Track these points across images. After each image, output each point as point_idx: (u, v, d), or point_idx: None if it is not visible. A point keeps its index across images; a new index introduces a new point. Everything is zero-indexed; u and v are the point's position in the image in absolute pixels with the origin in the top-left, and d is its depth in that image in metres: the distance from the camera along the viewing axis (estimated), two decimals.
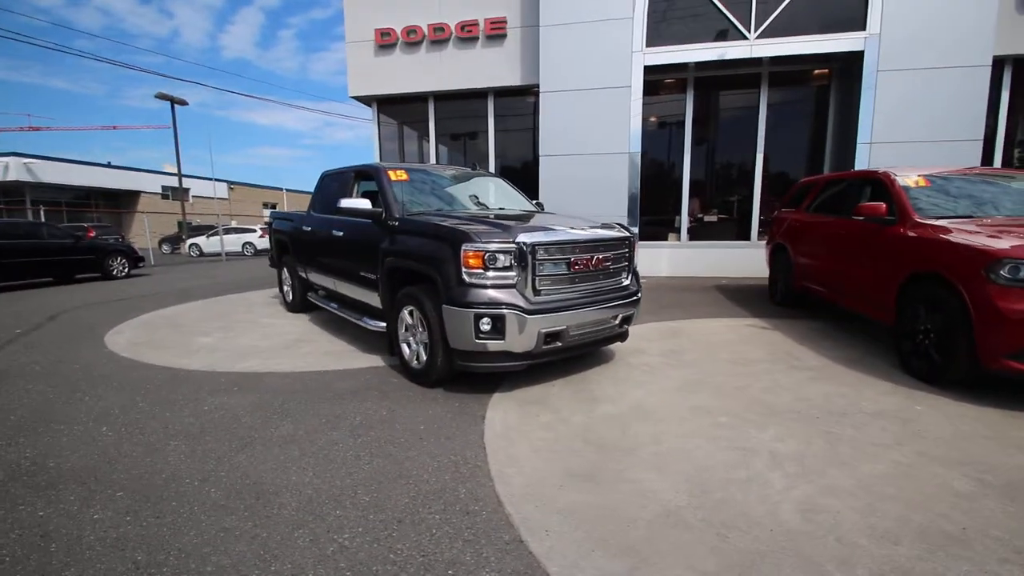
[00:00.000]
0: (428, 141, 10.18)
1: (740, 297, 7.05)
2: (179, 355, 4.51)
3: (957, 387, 3.42)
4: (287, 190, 48.88)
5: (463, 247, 3.18)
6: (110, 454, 2.62)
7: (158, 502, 2.16)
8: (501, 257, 3.17)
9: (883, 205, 4.31)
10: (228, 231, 21.15)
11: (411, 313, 3.66)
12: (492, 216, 3.94)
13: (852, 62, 8.04)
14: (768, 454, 2.56)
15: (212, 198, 36.78)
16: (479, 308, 3.14)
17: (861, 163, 7.84)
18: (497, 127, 9.86)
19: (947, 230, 3.65)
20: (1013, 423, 2.90)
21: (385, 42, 9.60)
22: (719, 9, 8.12)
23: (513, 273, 3.19)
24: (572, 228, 3.55)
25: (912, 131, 7.66)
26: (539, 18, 8.55)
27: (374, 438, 2.78)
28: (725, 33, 8.17)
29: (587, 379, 3.76)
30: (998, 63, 7.62)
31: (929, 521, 1.99)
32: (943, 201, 4.24)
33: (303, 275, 5.86)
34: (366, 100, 10.24)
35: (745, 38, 8.07)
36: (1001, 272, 3.11)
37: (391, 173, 4.39)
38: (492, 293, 3.17)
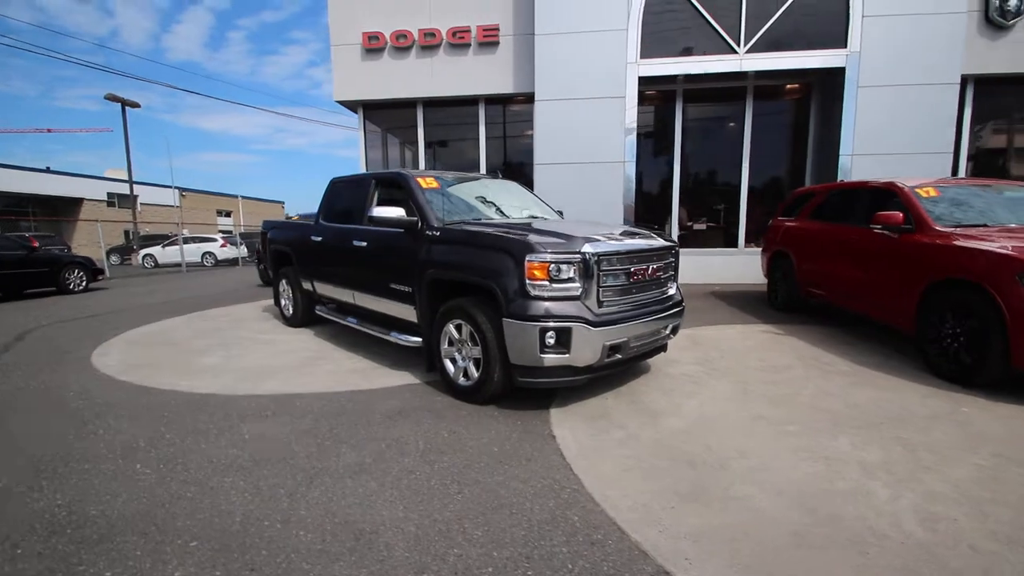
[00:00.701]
0: (417, 147, 9.96)
1: (740, 303, 7.20)
2: (184, 377, 4.15)
3: (988, 388, 3.56)
4: (243, 197, 46.99)
5: (527, 258, 3.06)
6: (160, 496, 2.33)
7: (244, 551, 1.92)
8: (565, 268, 3.07)
9: (900, 215, 4.48)
10: (188, 240, 20.00)
11: (458, 328, 3.50)
12: (534, 224, 3.84)
13: (833, 77, 8.44)
14: (857, 464, 2.56)
15: (163, 206, 34.89)
16: (544, 322, 3.02)
17: (844, 174, 8.22)
18: (488, 134, 9.77)
19: (975, 238, 3.83)
20: None
21: (373, 46, 9.33)
22: (711, 24, 8.35)
23: (577, 284, 3.09)
24: (624, 238, 3.49)
25: (890, 144, 8.10)
26: (534, 26, 8.54)
27: (450, 464, 2.61)
28: (716, 47, 8.40)
29: (635, 391, 3.70)
30: (962, 81, 8.17)
31: None
32: (954, 210, 4.45)
33: (308, 287, 5.56)
34: (351, 105, 9.92)
35: (735, 52, 8.33)
36: None
37: (421, 181, 4.21)
38: (557, 306, 3.06)
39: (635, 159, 8.64)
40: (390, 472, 2.52)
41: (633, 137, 8.55)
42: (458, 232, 3.61)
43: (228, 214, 44.56)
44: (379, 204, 4.49)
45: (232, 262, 20.19)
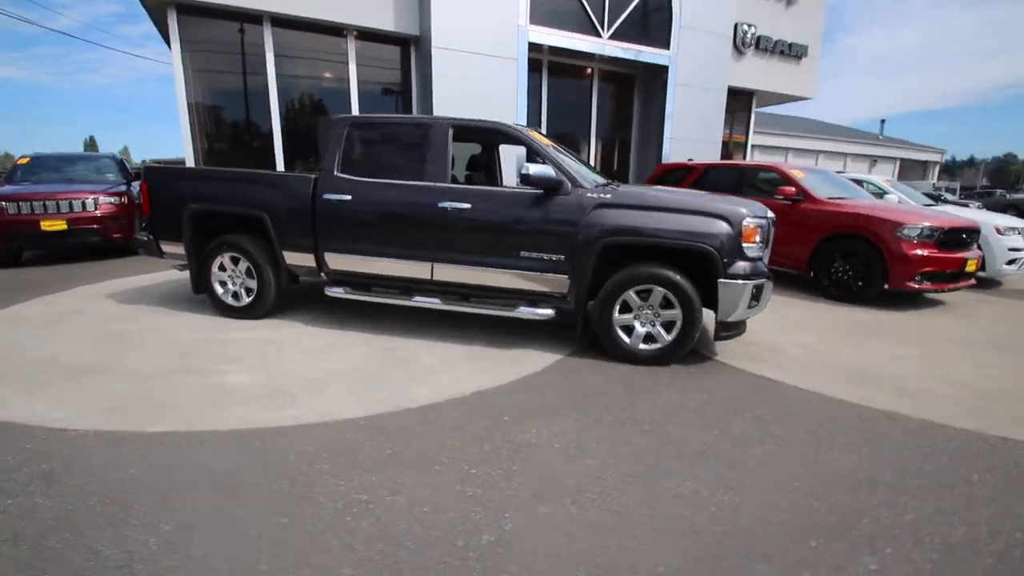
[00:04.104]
0: (267, 80, 7.73)
1: None
2: (275, 408, 2.78)
3: (868, 302, 5.63)
4: None
5: (745, 222, 3.33)
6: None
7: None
8: (763, 231, 3.47)
9: (793, 189, 6.33)
10: None
11: (643, 293, 3.48)
12: (660, 189, 3.99)
13: (653, 71, 10.43)
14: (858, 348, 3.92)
15: None
16: (755, 279, 3.39)
17: (665, 154, 10.43)
18: (360, 78, 8.36)
19: (850, 205, 5.85)
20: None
21: None
22: (584, 7, 9.13)
23: (764, 245, 3.54)
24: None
25: (689, 131, 10.66)
26: None
27: (780, 432, 2.82)
28: (586, 28, 9.27)
29: None
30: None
31: None
32: (818, 187, 6.56)
33: (301, 263, 4.14)
34: (159, 4, 6.90)
35: (600, 36, 9.38)
36: (904, 231, 5.36)
37: (536, 135, 3.76)
38: (758, 265, 3.46)
39: (526, 122, 8.93)
40: (735, 455, 2.60)
41: (524, 101, 8.79)
42: (645, 197, 3.51)
43: None
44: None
45: None
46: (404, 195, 3.81)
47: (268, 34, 7.59)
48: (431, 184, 3.76)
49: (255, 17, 7.46)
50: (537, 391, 3.09)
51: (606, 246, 3.47)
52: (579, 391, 3.11)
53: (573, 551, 1.73)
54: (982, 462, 2.38)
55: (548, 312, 3.72)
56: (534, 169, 3.42)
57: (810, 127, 29.50)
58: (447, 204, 3.70)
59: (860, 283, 5.66)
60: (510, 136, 3.85)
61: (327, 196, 3.94)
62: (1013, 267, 6.76)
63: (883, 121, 34.35)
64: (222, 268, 4.34)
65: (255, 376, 3.18)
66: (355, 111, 8.38)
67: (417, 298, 3.93)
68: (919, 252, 5.33)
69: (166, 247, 4.51)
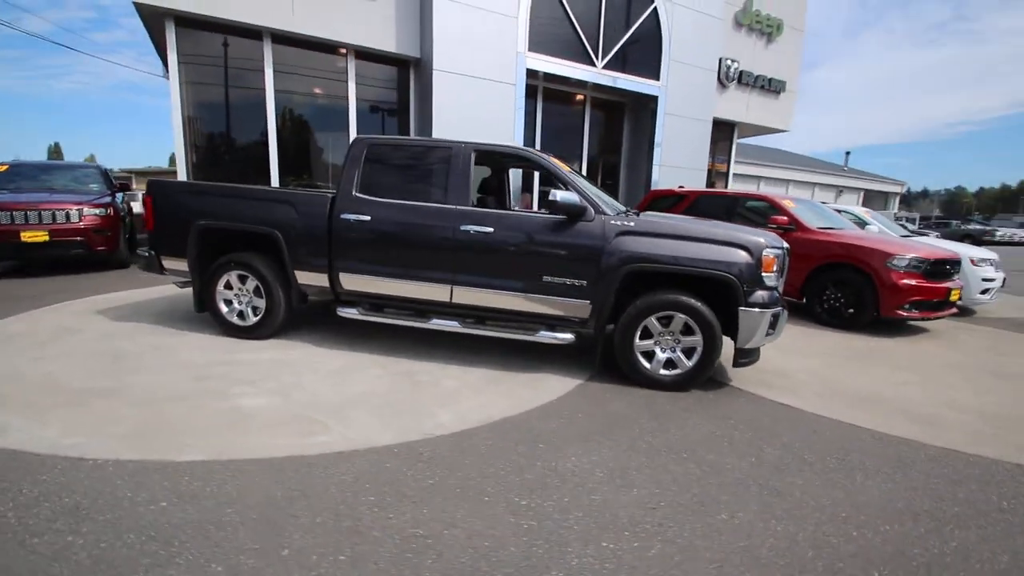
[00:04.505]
0: (264, 97, 7.64)
1: None
2: (303, 435, 2.68)
3: (860, 329, 5.82)
4: None
5: (764, 252, 3.42)
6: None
7: None
8: (780, 260, 3.57)
9: (786, 218, 6.56)
10: None
11: (664, 320, 3.52)
12: (682, 218, 4.07)
13: (643, 100, 10.75)
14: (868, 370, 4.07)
15: None
16: (773, 308, 3.48)
17: (654, 180, 10.69)
18: (359, 96, 8.35)
19: (841, 236, 6.09)
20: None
21: None
22: (580, 37, 9.39)
23: (780, 274, 3.64)
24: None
25: (677, 159, 10.97)
26: None
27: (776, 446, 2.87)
28: (581, 57, 9.52)
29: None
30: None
31: None
32: (807, 217, 6.81)
33: (314, 282, 4.05)
34: (155, 14, 6.78)
35: (595, 65, 9.64)
36: (894, 262, 5.60)
37: (558, 161, 3.80)
38: (775, 294, 3.55)
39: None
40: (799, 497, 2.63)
41: (522, 127, 8.92)
42: (667, 225, 3.58)
43: None
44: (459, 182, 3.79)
45: None
46: (426, 217, 3.79)
47: (268, 50, 7.53)
48: (454, 207, 3.75)
49: (255, 33, 7.40)
50: (565, 417, 3.07)
51: (629, 272, 3.51)
52: (606, 417, 3.10)
53: None
54: (1007, 489, 2.47)
55: (568, 337, 3.73)
56: (561, 196, 3.46)
57: (781, 157, 30.74)
58: (470, 227, 3.69)
59: (851, 310, 5.86)
60: (534, 162, 3.90)
61: (345, 216, 3.88)
62: (986, 296, 7.11)
63: (848, 153, 36.18)
64: (228, 286, 4.21)
65: (274, 400, 3.07)
66: (352, 129, 8.35)
67: (435, 321, 3.89)
68: (908, 282, 5.56)
69: (168, 263, 4.35)
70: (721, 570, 1.81)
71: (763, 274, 3.44)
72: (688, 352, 3.55)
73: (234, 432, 2.65)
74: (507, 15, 8.43)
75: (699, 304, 3.44)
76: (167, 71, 9.31)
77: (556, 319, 3.75)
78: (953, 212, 73.00)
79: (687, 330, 3.52)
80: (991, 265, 7.22)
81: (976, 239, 25.55)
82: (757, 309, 3.42)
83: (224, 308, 4.23)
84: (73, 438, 2.48)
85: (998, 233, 28.59)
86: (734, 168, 14.02)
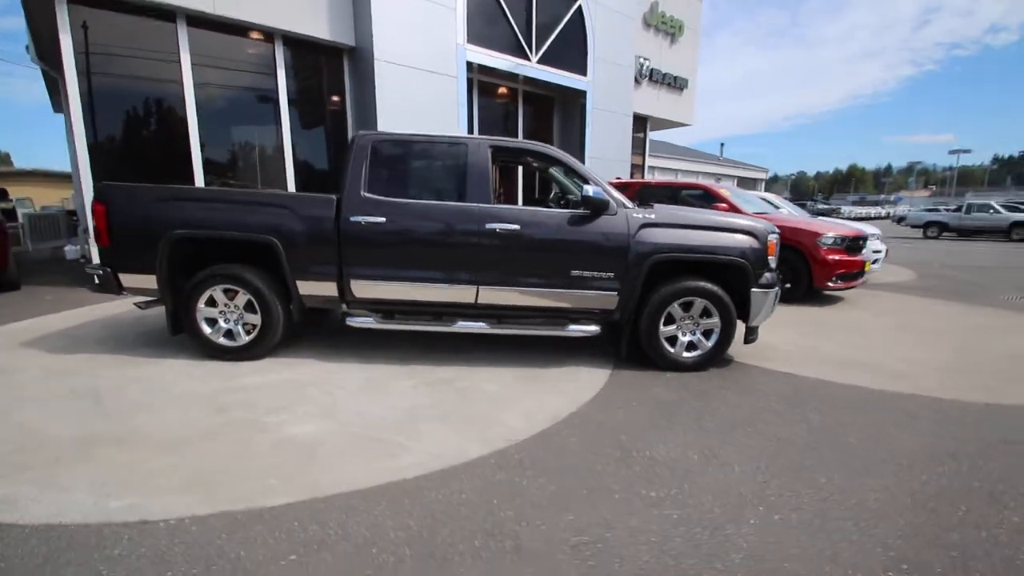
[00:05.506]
0: (182, 88, 6.66)
1: None
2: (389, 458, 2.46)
3: (799, 301, 6.62)
4: None
5: (770, 238, 3.77)
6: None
7: None
8: (777, 244, 3.95)
9: (726, 205, 7.22)
10: None
11: (686, 305, 3.74)
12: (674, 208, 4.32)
13: (571, 95, 11.09)
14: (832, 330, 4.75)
15: None
16: (775, 287, 3.85)
17: None
18: (290, 87, 7.63)
19: (782, 219, 6.84)
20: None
21: None
22: (515, 31, 9.40)
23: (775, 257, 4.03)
24: None
25: (605, 151, 11.50)
26: None
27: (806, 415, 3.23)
28: (516, 51, 9.55)
29: None
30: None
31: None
32: (744, 203, 7.54)
33: (317, 292, 3.70)
34: None
35: (529, 59, 9.73)
36: (823, 241, 6.43)
37: (571, 157, 3.85)
38: (776, 275, 3.93)
39: None
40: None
41: (465, 120, 8.77)
42: (684, 216, 3.78)
43: None
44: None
45: None
46: (447, 217, 3.64)
47: (183, 35, 6.58)
48: (477, 205, 3.64)
49: (167, 14, 6.43)
50: (622, 407, 3.16)
51: (655, 263, 3.68)
52: (655, 402, 3.24)
53: (816, 551, 1.85)
54: (995, 425, 3.00)
55: (594, 329, 3.81)
56: (593, 190, 3.52)
57: (667, 148, 33.41)
58: (495, 226, 3.61)
59: (788, 285, 6.62)
60: (552, 158, 3.90)
61: (355, 219, 3.59)
62: (876, 266, 8.42)
63: (722, 144, 40.22)
64: (211, 303, 3.71)
65: (325, 424, 2.79)
66: (285, 122, 7.63)
67: (460, 323, 3.76)
68: (835, 257, 6.42)
69: (128, 281, 3.71)
70: (858, 526, 2.01)
71: (768, 257, 3.79)
72: (706, 334, 3.81)
73: (308, 465, 2.38)
74: (445, 5, 8.21)
75: (717, 288, 3.71)
76: (33, 50, 7.85)
77: (582, 312, 3.82)
78: (800, 194, 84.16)
79: (704, 313, 3.77)
80: (878, 239, 8.56)
81: (827, 217, 30.04)
82: (765, 289, 3.76)
83: (207, 329, 3.72)
84: (118, 499, 2.07)
85: (843, 211, 33.69)
86: (634, 160, 15.12)
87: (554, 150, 3.91)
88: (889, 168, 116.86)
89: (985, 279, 9.03)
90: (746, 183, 39.16)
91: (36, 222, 12.38)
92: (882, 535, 1.96)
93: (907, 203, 45.67)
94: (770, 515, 2.07)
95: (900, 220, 25.46)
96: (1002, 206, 20.22)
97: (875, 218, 34.96)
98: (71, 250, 9.56)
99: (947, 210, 22.36)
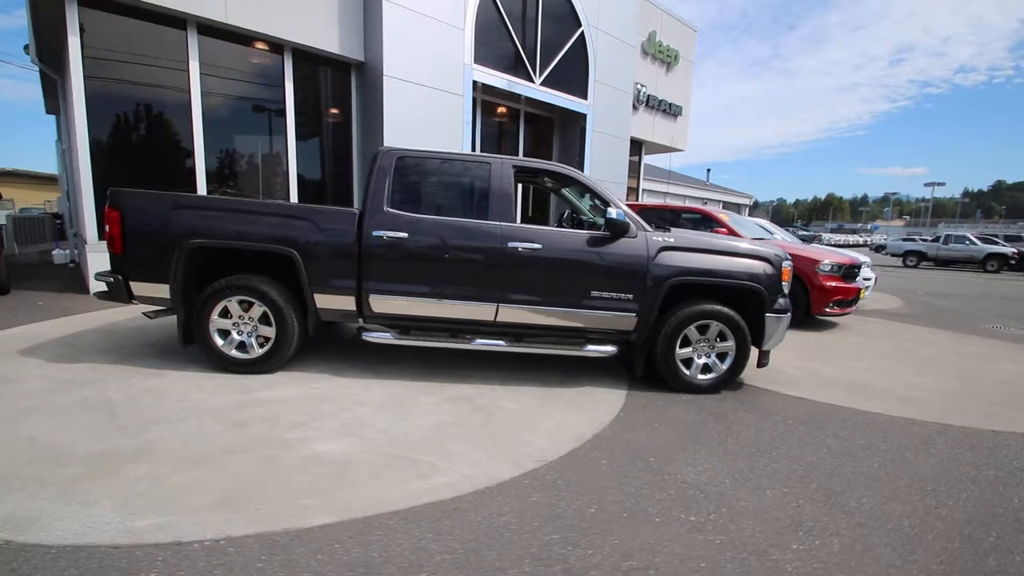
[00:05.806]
0: (190, 97, 6.61)
1: None
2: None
3: (796, 326, 6.75)
4: None
5: (784, 264, 3.85)
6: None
7: None
8: (790, 270, 4.03)
9: (725, 230, 7.37)
10: None
11: (702, 328, 3.79)
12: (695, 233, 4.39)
13: (576, 117, 11.28)
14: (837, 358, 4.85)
15: None
16: (788, 312, 3.92)
17: None
18: (297, 99, 7.62)
19: (780, 245, 6.99)
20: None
21: None
22: (520, 53, 9.57)
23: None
24: None
25: (603, 173, 11.67)
26: None
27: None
28: (521, 73, 9.71)
29: None
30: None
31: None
32: (742, 228, 7.71)
33: (332, 306, 3.66)
34: None
35: (533, 81, 9.90)
36: (821, 268, 6.58)
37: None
38: (788, 300, 4.00)
39: None
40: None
41: (470, 138, 8.84)
42: (701, 241, 3.85)
43: None
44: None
45: None
46: (470, 235, 3.64)
47: (193, 42, 6.56)
48: (501, 223, 3.65)
49: (178, 21, 6.42)
50: (646, 428, 3.16)
51: (673, 286, 3.72)
52: (676, 424, 3.25)
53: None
54: (1006, 451, 3.07)
55: (611, 349, 3.83)
56: (616, 213, 3.56)
57: (657, 172, 34.08)
58: (518, 245, 3.62)
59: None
60: (573, 180, 3.95)
61: (377, 233, 3.58)
62: (867, 293, 8.63)
63: (708, 170, 41.10)
64: (225, 314, 3.63)
65: (351, 442, 2.73)
66: (291, 133, 7.61)
67: (479, 341, 3.74)
68: (832, 284, 6.57)
69: (140, 290, 3.63)
70: (897, 552, 2.03)
71: (782, 283, 3.87)
72: (720, 357, 3.85)
73: (339, 484, 2.32)
74: (453, 25, 8.34)
75: (733, 313, 3.76)
76: (33, 50, 7.75)
77: (600, 332, 3.83)
78: (781, 221, 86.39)
79: (720, 336, 3.82)
80: (868, 267, 8.80)
81: (809, 243, 30.86)
82: (778, 315, 3.83)
83: (220, 340, 3.64)
84: (145, 517, 1.99)
85: (824, 237, 34.60)
86: (629, 183, 15.40)
87: (576, 172, 3.96)
88: (866, 198, 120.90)
89: (967, 308, 9.33)
90: (731, 208, 40.07)
91: (20, 225, 12.03)
92: (923, 561, 1.98)
93: (883, 232, 47.04)
94: (811, 540, 2.08)
95: (879, 249, 26.21)
96: (977, 238, 21.00)
97: (853, 246, 35.97)
98: (59, 254, 9.32)
99: (924, 240, 23.13)
